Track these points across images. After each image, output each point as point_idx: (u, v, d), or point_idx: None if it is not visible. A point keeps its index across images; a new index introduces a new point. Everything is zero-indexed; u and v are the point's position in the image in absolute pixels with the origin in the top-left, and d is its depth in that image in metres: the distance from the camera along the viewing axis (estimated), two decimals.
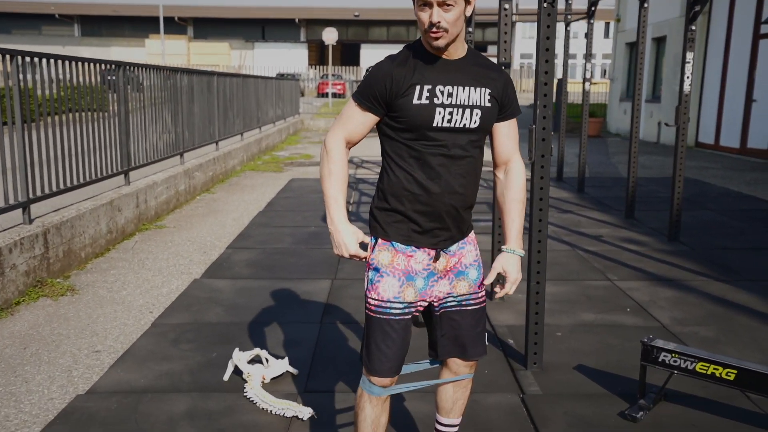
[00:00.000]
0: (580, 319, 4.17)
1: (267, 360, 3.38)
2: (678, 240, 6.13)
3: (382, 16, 51.37)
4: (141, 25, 51.15)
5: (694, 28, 5.92)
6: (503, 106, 2.11)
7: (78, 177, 5.53)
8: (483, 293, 2.22)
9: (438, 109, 1.99)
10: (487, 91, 2.05)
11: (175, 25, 50.39)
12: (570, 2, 9.52)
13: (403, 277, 2.07)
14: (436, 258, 2.10)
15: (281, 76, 24.49)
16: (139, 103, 7.00)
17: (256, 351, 3.41)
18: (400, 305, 2.07)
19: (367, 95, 2.03)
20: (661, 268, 5.26)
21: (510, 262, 2.15)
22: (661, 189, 9.12)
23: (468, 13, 1.97)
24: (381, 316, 2.07)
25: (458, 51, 2.02)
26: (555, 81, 10.24)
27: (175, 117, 8.10)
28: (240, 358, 3.33)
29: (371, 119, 2.06)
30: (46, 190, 5.03)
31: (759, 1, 12.74)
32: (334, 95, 33.68)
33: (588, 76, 9.21)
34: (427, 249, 2.08)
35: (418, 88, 1.98)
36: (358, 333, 3.93)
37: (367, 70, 1.97)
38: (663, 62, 16.83)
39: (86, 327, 4.06)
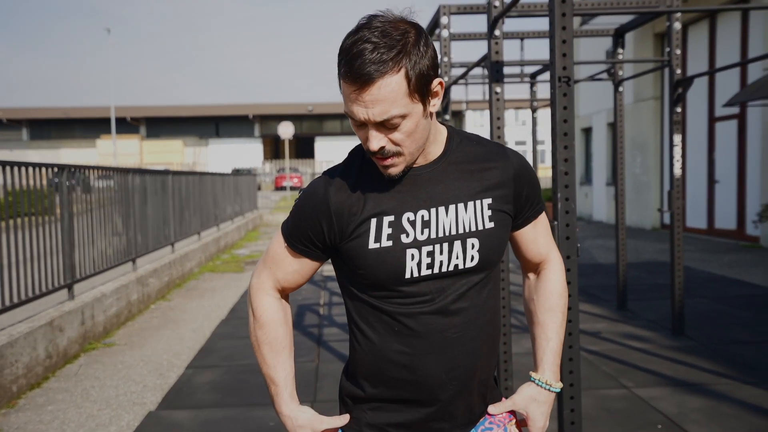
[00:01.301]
0: None
1: None
2: (684, 334, 5.65)
3: (335, 110, 52.14)
4: (92, 127, 50.78)
5: (678, 110, 5.68)
6: (520, 209, 1.46)
7: (12, 295, 4.80)
8: None
9: (410, 252, 1.33)
10: (486, 202, 1.38)
11: (127, 125, 50.16)
12: (535, 90, 9.40)
13: None
14: None
15: (237, 172, 24.12)
16: (86, 206, 6.36)
17: None
18: None
19: (297, 236, 1.41)
20: (678, 370, 4.73)
21: (538, 400, 1.45)
22: (644, 275, 8.75)
23: (434, 109, 1.31)
24: None
25: (431, 153, 1.37)
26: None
27: (127, 220, 7.45)
28: None
29: (309, 266, 1.45)
30: None
31: (711, 85, 13.02)
32: (292, 188, 33.40)
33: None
34: None
35: (374, 222, 1.33)
36: None
37: (300, 195, 1.43)
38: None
39: None
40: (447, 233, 1.34)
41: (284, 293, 1.51)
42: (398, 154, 1.28)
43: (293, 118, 47.22)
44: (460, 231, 1.35)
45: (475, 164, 1.40)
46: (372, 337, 1.38)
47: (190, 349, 5.79)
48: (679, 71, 5.67)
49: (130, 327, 6.72)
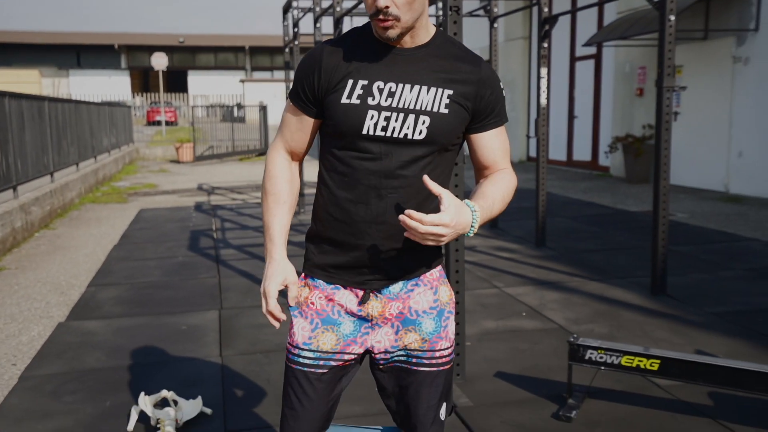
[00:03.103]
0: (484, 328, 4.21)
1: (175, 402, 3.02)
2: (545, 246, 6.46)
3: (209, 42, 50.17)
4: None
5: (546, 45, 6.32)
6: (479, 112, 1.61)
7: None
8: (446, 351, 1.70)
9: (371, 113, 1.54)
10: (447, 92, 1.56)
11: None
12: None
13: (317, 319, 1.67)
14: (363, 300, 1.65)
15: (105, 104, 23.08)
16: None
17: (163, 393, 3.04)
18: (311, 354, 1.66)
19: (296, 92, 1.64)
20: (540, 273, 5.49)
21: (461, 210, 1.44)
22: (512, 201, 9.61)
23: None
24: (291, 365, 1.69)
25: (418, 37, 1.57)
26: None
27: (5, 145, 7.22)
28: (146, 402, 2.95)
29: (308, 122, 1.65)
30: None
31: (572, 26, 14.03)
32: (167, 123, 32.18)
33: None
34: (352, 288, 1.66)
35: (350, 82, 1.55)
36: (266, 364, 3.66)
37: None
38: None
39: None
40: (405, 106, 1.54)
41: (295, 156, 1.72)
42: (397, 18, 1.47)
43: (164, 49, 44.84)
44: (417, 107, 1.54)
45: (450, 61, 1.59)
46: (329, 183, 1.63)
47: (87, 271, 5.89)
48: (546, 9, 6.28)
49: (18, 253, 6.65)
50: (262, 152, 20.21)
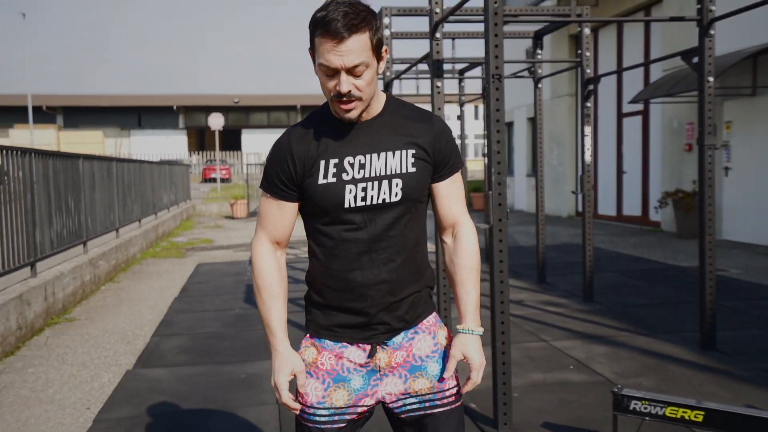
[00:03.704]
0: (531, 380, 4.30)
1: None
2: (593, 300, 6.51)
3: (261, 102, 51.98)
4: (4, 115, 48.58)
5: (589, 105, 6.51)
6: (438, 163, 1.76)
7: None
8: (454, 389, 1.83)
9: (348, 187, 1.68)
10: (411, 152, 1.72)
11: (43, 114, 48.30)
12: (463, 85, 10.17)
13: (329, 378, 1.77)
14: (371, 354, 1.77)
15: (164, 163, 24.07)
16: (42, 191, 6.63)
17: None
18: (326, 412, 1.77)
19: (273, 183, 1.74)
20: (588, 327, 5.55)
21: (470, 346, 1.75)
22: (560, 255, 9.68)
23: (381, 70, 1.67)
24: (307, 423, 1.78)
25: (372, 108, 1.72)
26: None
27: (78, 204, 7.73)
28: None
29: (290, 208, 1.77)
30: None
31: (619, 84, 14.20)
32: (222, 180, 33.29)
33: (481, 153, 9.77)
34: (359, 344, 1.77)
35: (323, 163, 1.69)
36: None
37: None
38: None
39: (17, 431, 3.69)
40: (377, 174, 1.69)
41: (279, 246, 1.80)
42: (359, 99, 1.62)
43: (219, 109, 46.77)
44: (388, 172, 1.69)
45: (405, 123, 1.74)
46: (320, 256, 1.75)
47: (150, 322, 6.20)
48: (589, 70, 6.50)
49: (86, 305, 7.04)
50: None
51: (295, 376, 1.75)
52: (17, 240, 5.78)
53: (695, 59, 4.86)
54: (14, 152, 5.83)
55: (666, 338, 5.15)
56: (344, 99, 1.62)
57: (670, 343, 5.00)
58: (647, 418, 3.07)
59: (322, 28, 1.57)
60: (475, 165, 36.08)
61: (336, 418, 1.77)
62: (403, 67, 7.49)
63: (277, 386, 1.73)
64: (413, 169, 1.71)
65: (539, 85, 7.54)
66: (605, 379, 4.25)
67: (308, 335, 1.83)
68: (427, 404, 1.78)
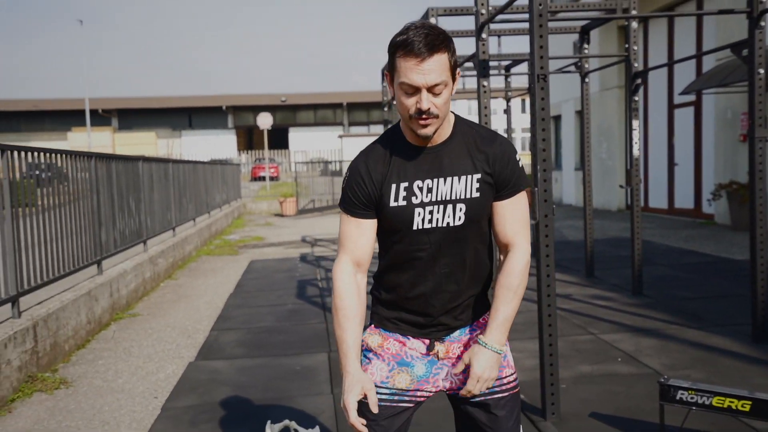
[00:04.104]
0: (579, 372, 4.37)
1: (296, 431, 3.40)
2: (642, 294, 6.51)
3: (308, 101, 52.58)
4: (62, 119, 50.41)
5: (636, 99, 6.50)
6: (501, 184, 1.85)
7: (61, 267, 5.45)
8: (513, 377, 1.97)
9: (417, 210, 1.81)
10: (476, 177, 1.82)
11: (99, 117, 49.92)
12: (509, 80, 10.20)
13: (393, 361, 1.92)
14: (430, 348, 1.92)
15: (215, 162, 24.71)
16: (105, 192, 6.97)
17: (286, 422, 3.43)
18: (388, 391, 1.90)
19: (352, 203, 1.85)
20: (636, 320, 5.57)
21: (479, 356, 1.83)
22: (609, 249, 9.63)
23: (454, 91, 1.77)
24: (366, 401, 1.82)
25: (443, 131, 1.82)
26: None
27: (138, 204, 8.08)
28: (272, 429, 3.34)
29: (369, 226, 1.87)
30: (32, 283, 4.94)
31: (670, 75, 13.96)
32: (271, 178, 33.89)
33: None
34: (420, 339, 1.93)
35: (394, 187, 1.81)
36: None
37: (345, 174, 1.92)
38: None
39: (93, 417, 3.96)
40: (443, 198, 1.81)
41: (360, 268, 1.88)
42: (436, 117, 1.72)
43: (266, 108, 47.50)
44: (453, 197, 1.80)
45: (472, 147, 1.83)
46: (389, 263, 1.91)
47: (208, 317, 6.48)
48: (636, 64, 6.49)
49: (147, 301, 7.38)
50: None
51: (365, 395, 1.80)
52: (85, 239, 6.11)
53: (745, 51, 4.84)
54: (79, 157, 6.17)
55: (716, 331, 5.14)
56: (423, 116, 1.71)
57: (720, 336, 5.00)
58: (694, 408, 3.13)
59: (404, 48, 1.69)
60: (524, 159, 35.86)
61: (396, 398, 1.90)
62: None
63: (346, 406, 1.78)
64: (477, 194, 1.82)
65: (586, 80, 7.54)
66: (653, 371, 4.30)
67: (373, 325, 1.98)
68: (487, 390, 1.90)
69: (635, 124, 6.48)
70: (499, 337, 1.85)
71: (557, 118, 19.79)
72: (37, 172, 5.43)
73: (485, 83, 4.59)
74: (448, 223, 1.82)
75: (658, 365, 4.42)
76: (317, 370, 4.65)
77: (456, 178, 1.81)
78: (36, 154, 5.20)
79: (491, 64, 10.55)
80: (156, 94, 55.44)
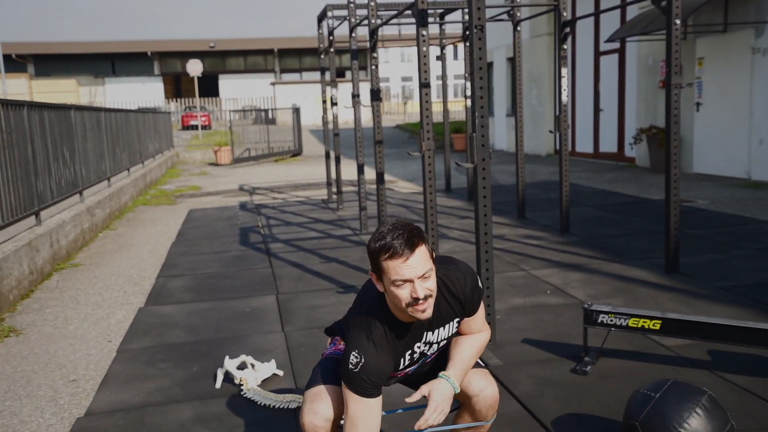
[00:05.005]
0: (512, 304, 4.74)
1: (253, 365, 3.62)
2: (570, 233, 6.95)
3: (238, 47, 51.19)
4: None
5: (565, 47, 6.80)
6: (470, 312, 2.23)
7: None
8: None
9: (415, 356, 2.21)
10: (456, 320, 2.21)
11: (13, 63, 47.18)
12: (444, 28, 10.35)
13: None
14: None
15: (145, 111, 24.02)
16: (39, 142, 6.83)
17: (243, 357, 3.64)
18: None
19: (374, 387, 2.03)
20: (564, 257, 5.99)
21: (439, 388, 2.10)
22: (539, 192, 10.10)
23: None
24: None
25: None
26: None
27: (73, 154, 7.94)
28: (230, 364, 3.55)
29: (381, 400, 2.08)
30: None
31: (596, 24, 14.39)
32: (203, 127, 33.15)
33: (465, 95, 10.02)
34: None
35: (402, 359, 2.15)
36: (323, 337, 4.23)
37: (352, 357, 2.03)
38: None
39: (49, 361, 4.06)
40: (432, 341, 2.20)
41: None
42: (430, 297, 2.00)
43: (195, 54, 45.97)
44: (438, 339, 2.21)
45: (450, 300, 2.15)
46: None
47: (153, 266, 6.55)
48: (565, 14, 6.76)
49: (88, 251, 7.36)
50: (296, 153, 20.89)
51: None
52: (21, 190, 6.03)
53: (664, 2, 5.16)
54: (11, 106, 6.02)
55: (635, 264, 5.61)
56: (420, 302, 1.97)
57: (638, 269, 5.46)
58: (613, 329, 3.51)
59: (387, 252, 1.96)
60: (457, 106, 36.16)
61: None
62: (389, 14, 7.68)
63: None
64: (455, 331, 2.24)
65: (518, 28, 7.78)
66: (578, 301, 4.70)
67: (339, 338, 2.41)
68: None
69: (564, 71, 6.79)
70: (459, 377, 2.16)
71: (489, 65, 20.09)
72: None
73: (424, 32, 4.74)
74: (431, 354, 2.25)
75: (583, 296, 4.83)
76: (267, 311, 4.86)
77: (441, 328, 2.18)
78: None
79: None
80: (76, 38, 52.58)
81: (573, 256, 6.02)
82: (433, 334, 2.17)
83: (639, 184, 10.39)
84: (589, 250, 6.22)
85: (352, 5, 7.46)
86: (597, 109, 14.71)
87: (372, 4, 6.29)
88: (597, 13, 6.80)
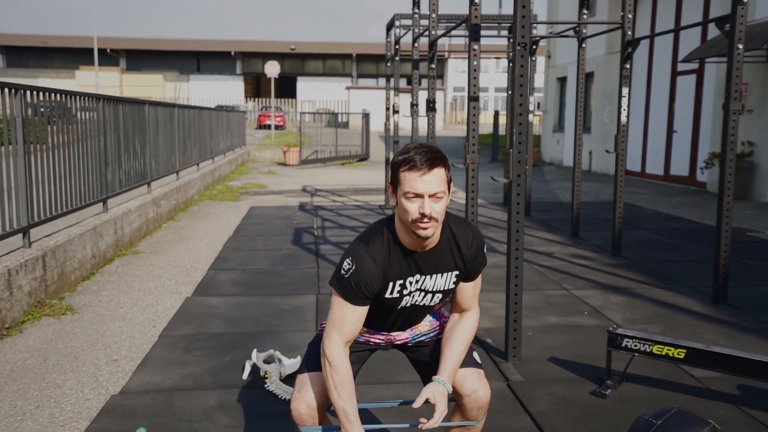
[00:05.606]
0: (546, 322, 4.72)
1: (280, 360, 3.76)
2: (621, 255, 6.82)
3: (317, 50, 52.22)
4: (70, 57, 50.19)
5: (628, 66, 6.69)
6: (469, 275, 2.27)
7: (69, 203, 5.78)
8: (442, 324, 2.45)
9: (405, 298, 2.22)
10: (455, 273, 2.23)
11: (107, 57, 49.66)
12: (512, 42, 10.31)
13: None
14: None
15: (221, 108, 24.80)
16: (112, 134, 7.24)
17: (271, 352, 3.79)
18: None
19: (355, 295, 2.11)
20: (610, 279, 5.90)
21: (443, 395, 2.14)
22: (599, 212, 9.92)
23: (448, 202, 2.09)
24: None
25: (433, 239, 2.15)
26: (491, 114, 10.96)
27: (144, 147, 8.36)
28: (258, 357, 3.71)
29: (365, 310, 2.17)
30: (42, 216, 5.26)
31: (675, 42, 14.00)
32: (276, 127, 33.99)
33: (532, 108, 9.96)
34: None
35: (391, 284, 2.16)
36: None
37: (345, 263, 2.15)
38: (591, 96, 18.04)
39: (97, 341, 4.33)
40: (427, 288, 2.22)
41: (349, 344, 2.17)
42: (435, 220, 2.04)
43: (276, 56, 47.27)
44: (434, 289, 2.22)
45: (454, 248, 2.19)
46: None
47: (207, 258, 6.83)
48: (630, 33, 6.66)
49: (150, 240, 7.74)
50: (363, 158, 21.16)
51: None
52: (92, 178, 6.42)
53: (727, 26, 5.03)
54: (89, 98, 6.43)
55: (682, 291, 5.47)
56: (425, 219, 2.02)
57: (684, 296, 5.33)
58: (636, 354, 3.47)
59: (407, 164, 2.03)
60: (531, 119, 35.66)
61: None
62: (447, 26, 7.75)
63: None
64: (452, 286, 2.25)
65: (583, 45, 7.71)
66: (615, 324, 4.62)
67: None
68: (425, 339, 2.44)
69: (625, 91, 6.69)
70: (451, 379, 2.21)
71: (563, 80, 19.82)
72: (46, 109, 5.70)
73: (476, 47, 4.80)
74: (424, 304, 2.27)
75: (620, 320, 4.76)
76: (305, 309, 5.01)
77: (439, 275, 2.20)
78: (47, 94, 5.46)
79: (492, 23, 10.66)
80: (165, 36, 54.84)
81: (619, 278, 5.92)
82: (430, 279, 2.19)
83: (705, 210, 10.05)
84: (636, 273, 6.10)
85: (416, 16, 7.57)
86: (670, 131, 14.30)
87: (433, 16, 6.38)
88: (653, 36, 6.61)
